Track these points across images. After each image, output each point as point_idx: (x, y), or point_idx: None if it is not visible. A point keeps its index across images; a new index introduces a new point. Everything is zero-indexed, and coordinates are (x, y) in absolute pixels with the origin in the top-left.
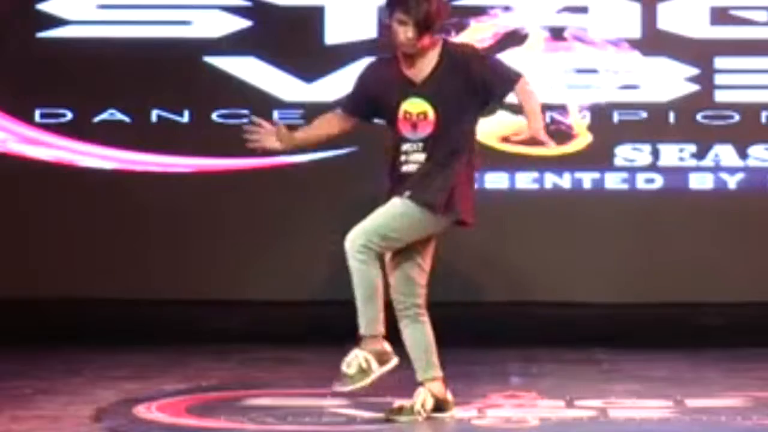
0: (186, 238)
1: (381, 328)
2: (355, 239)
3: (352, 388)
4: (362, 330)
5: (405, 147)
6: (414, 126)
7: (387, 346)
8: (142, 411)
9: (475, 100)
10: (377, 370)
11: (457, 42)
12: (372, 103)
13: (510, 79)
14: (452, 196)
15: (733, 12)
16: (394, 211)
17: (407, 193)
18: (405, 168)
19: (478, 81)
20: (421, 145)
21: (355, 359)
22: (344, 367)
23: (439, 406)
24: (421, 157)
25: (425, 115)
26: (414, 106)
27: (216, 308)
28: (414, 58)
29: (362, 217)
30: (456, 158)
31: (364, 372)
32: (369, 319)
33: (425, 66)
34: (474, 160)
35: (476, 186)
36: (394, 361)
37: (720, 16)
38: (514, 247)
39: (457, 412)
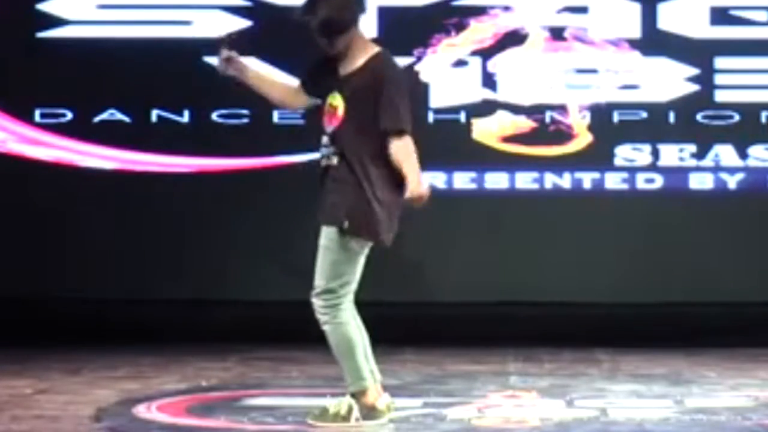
0: (186, 238)
1: (364, 384)
2: (315, 302)
3: (319, 424)
4: (349, 387)
5: (323, 138)
6: (329, 118)
7: (379, 402)
8: (141, 411)
9: (378, 121)
10: (356, 422)
11: (390, 60)
12: (317, 86)
13: (392, 128)
14: (362, 217)
15: (733, 12)
16: (330, 258)
17: (322, 218)
18: (321, 160)
19: (379, 105)
20: (330, 138)
21: (341, 402)
22: (328, 404)
23: (368, 414)
24: (329, 150)
25: (337, 109)
26: (334, 99)
27: (216, 308)
28: (345, 54)
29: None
30: (362, 172)
31: (341, 417)
32: (351, 373)
33: (350, 66)
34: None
35: (475, 186)
36: (381, 420)
37: (720, 16)
38: (514, 247)
39: (457, 412)
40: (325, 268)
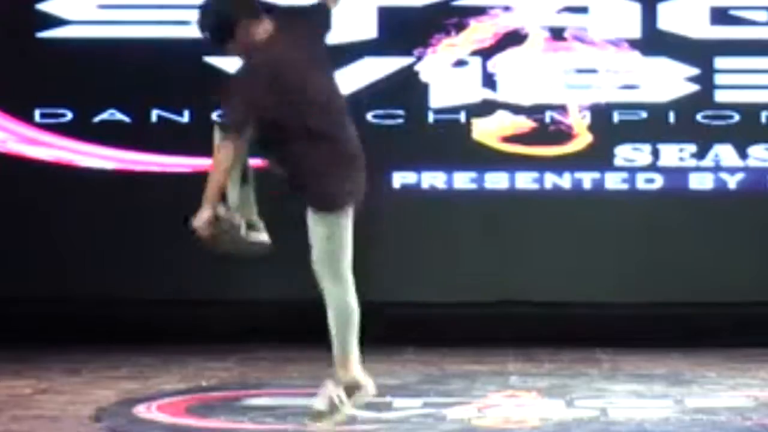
0: (186, 238)
1: (351, 357)
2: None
3: (324, 424)
4: (336, 359)
5: None
6: None
7: (360, 376)
8: (142, 411)
9: None
10: (348, 404)
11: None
12: None
13: (218, 121)
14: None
15: (733, 12)
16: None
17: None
18: None
19: None
20: None
21: (325, 395)
22: (316, 404)
23: (352, 388)
24: None
25: None
26: None
27: (216, 308)
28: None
29: (362, 215)
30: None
31: (335, 408)
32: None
33: None
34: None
35: (475, 186)
36: (368, 391)
37: (720, 16)
38: (514, 247)
39: (457, 412)
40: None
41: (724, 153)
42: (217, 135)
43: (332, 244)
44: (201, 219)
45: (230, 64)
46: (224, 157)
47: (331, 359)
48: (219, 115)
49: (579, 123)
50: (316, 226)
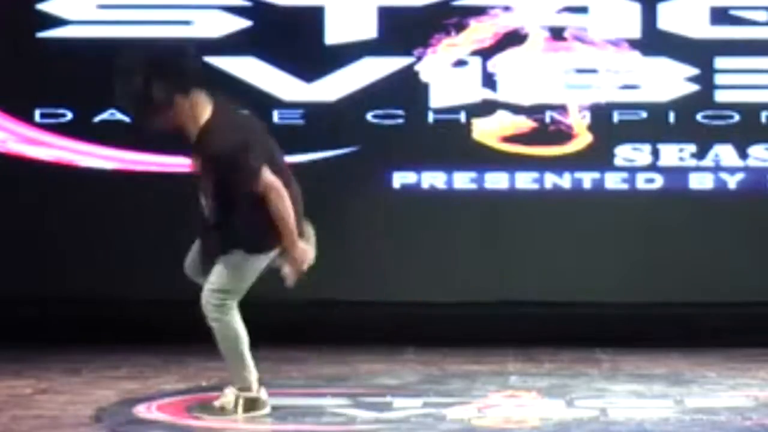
0: (186, 239)
1: (250, 378)
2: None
3: (205, 417)
4: (235, 383)
5: None
6: None
7: (262, 394)
8: (142, 411)
9: None
10: (238, 414)
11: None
12: None
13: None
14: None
15: (733, 12)
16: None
17: None
18: None
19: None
20: None
21: (227, 395)
22: (217, 402)
23: (252, 406)
24: None
25: None
26: None
27: None
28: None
29: (362, 215)
30: None
31: (228, 411)
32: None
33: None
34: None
35: (475, 186)
36: (263, 411)
37: (720, 16)
38: (514, 247)
39: (457, 412)
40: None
41: (724, 153)
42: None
43: (245, 281)
44: (309, 256)
45: (230, 64)
46: (278, 196)
47: (331, 359)
48: (242, 182)
49: (579, 123)
50: (242, 262)
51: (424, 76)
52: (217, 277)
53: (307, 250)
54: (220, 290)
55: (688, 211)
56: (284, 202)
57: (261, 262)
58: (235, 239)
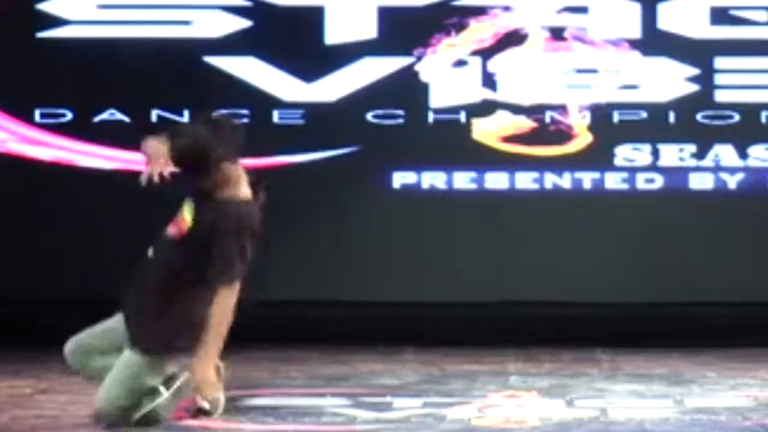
0: None
1: None
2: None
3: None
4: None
5: None
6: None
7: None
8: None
9: None
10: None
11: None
12: None
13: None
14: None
15: (733, 12)
16: None
17: None
18: None
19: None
20: None
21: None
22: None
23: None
24: None
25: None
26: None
27: None
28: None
29: (362, 215)
30: None
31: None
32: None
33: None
34: None
35: (475, 186)
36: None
37: (720, 16)
38: (514, 247)
39: (457, 412)
40: None
41: (724, 153)
42: (221, 290)
43: (141, 386)
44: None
45: (230, 64)
46: (233, 294)
47: (331, 359)
48: (219, 270)
49: (579, 123)
50: (147, 367)
51: (424, 76)
52: (114, 388)
53: (218, 387)
54: (117, 406)
55: (688, 211)
56: (233, 303)
57: (158, 370)
58: (155, 327)
